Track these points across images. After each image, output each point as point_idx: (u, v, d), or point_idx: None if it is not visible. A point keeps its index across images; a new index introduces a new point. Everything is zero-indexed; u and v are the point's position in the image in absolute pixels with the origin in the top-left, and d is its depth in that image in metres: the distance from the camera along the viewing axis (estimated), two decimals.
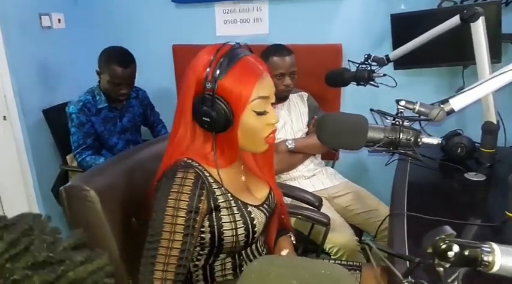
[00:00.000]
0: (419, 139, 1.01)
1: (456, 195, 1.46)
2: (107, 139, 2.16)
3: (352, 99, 2.30)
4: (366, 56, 1.83)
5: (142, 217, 1.11)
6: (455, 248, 0.51)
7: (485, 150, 1.50)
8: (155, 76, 2.53)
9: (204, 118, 0.93)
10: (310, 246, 1.69)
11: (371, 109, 1.09)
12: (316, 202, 1.63)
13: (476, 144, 1.61)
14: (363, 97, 2.21)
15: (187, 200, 0.91)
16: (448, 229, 0.54)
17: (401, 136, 1.00)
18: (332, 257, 1.67)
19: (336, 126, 1.01)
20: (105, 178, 1.07)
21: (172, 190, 0.91)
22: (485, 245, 0.51)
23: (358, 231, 1.86)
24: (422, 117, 1.05)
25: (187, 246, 0.92)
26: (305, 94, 2.05)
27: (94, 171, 1.11)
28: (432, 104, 1.05)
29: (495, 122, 1.48)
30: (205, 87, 0.91)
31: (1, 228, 0.36)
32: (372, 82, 1.79)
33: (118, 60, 1.99)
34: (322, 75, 1.92)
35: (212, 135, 0.96)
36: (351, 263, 1.27)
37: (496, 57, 1.65)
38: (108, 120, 2.14)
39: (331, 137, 1.01)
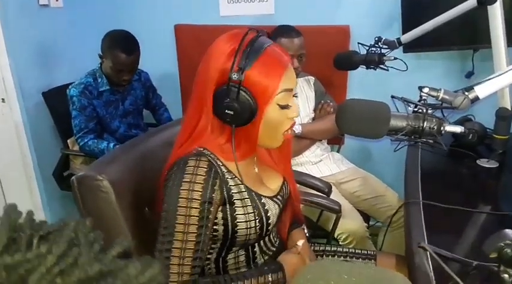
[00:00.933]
0: (442, 128, 0.98)
1: (469, 182, 1.44)
2: (108, 122, 2.11)
3: (360, 84, 2.26)
4: (376, 39, 1.78)
5: (155, 206, 1.09)
6: None
7: (498, 137, 1.48)
8: (156, 57, 2.45)
9: (227, 111, 0.88)
10: (318, 232, 1.67)
11: (392, 96, 1.06)
12: (325, 188, 1.61)
13: (488, 130, 1.59)
14: (370, 82, 2.18)
15: (201, 190, 0.87)
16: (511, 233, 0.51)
17: (425, 125, 0.97)
18: (341, 243, 1.66)
19: (357, 114, 0.98)
20: (117, 167, 1.03)
21: (184, 180, 0.88)
22: None
23: (365, 217, 1.85)
24: (445, 105, 1.02)
25: (203, 238, 0.89)
26: (311, 79, 2.01)
27: (105, 159, 1.07)
28: (456, 91, 1.02)
29: (509, 108, 1.45)
30: (231, 78, 0.86)
31: (44, 237, 0.32)
32: (382, 66, 1.75)
33: (122, 47, 1.92)
34: (328, 58, 1.87)
35: (231, 127, 0.92)
36: (365, 252, 1.25)
37: (510, 41, 1.61)
38: (110, 103, 2.09)
39: (352, 125, 0.99)
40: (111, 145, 2.00)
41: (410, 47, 1.90)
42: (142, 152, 1.14)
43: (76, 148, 2.11)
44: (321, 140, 1.95)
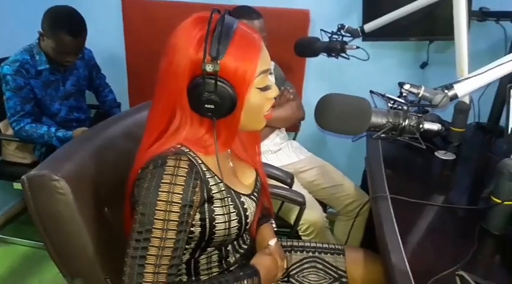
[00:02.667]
0: (421, 126, 0.97)
1: (430, 174, 1.47)
2: (48, 105, 1.91)
3: (317, 71, 2.23)
4: (339, 26, 1.75)
5: (115, 206, 0.98)
6: None
7: (456, 129, 1.52)
8: (101, 34, 2.24)
9: (207, 105, 0.80)
10: (279, 223, 1.64)
11: (371, 91, 1.03)
12: (287, 179, 1.58)
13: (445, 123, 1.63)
14: (327, 68, 2.16)
15: (181, 193, 0.79)
16: None
17: (405, 123, 0.95)
18: (301, 234, 1.64)
19: (339, 110, 0.93)
20: (73, 164, 0.91)
21: (163, 181, 0.79)
22: None
23: (323, 206, 1.85)
24: (422, 102, 1.01)
25: (180, 244, 0.81)
26: (271, 64, 1.94)
27: (59, 155, 0.93)
28: (435, 89, 1.01)
29: (468, 102, 1.49)
30: (205, 70, 0.78)
31: None
32: (343, 54, 1.72)
33: (67, 28, 1.72)
34: (287, 42, 1.82)
35: (211, 120, 0.84)
36: (333, 246, 1.24)
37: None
38: (49, 83, 1.88)
39: (333, 122, 0.94)
40: (52, 129, 1.82)
41: (370, 35, 1.89)
42: (99, 144, 1.03)
43: (10, 132, 1.89)
44: (280, 128, 1.91)
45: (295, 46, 1.80)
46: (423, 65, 2.07)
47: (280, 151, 1.88)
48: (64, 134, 1.82)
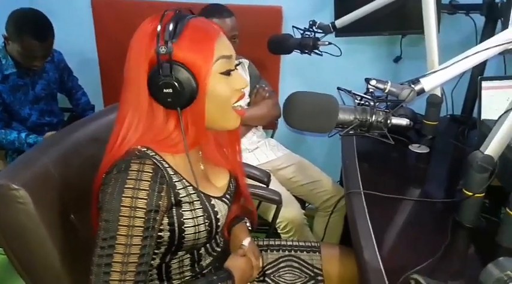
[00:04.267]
0: (389, 121, 0.97)
1: (404, 168, 1.48)
2: (17, 110, 1.86)
3: (292, 68, 2.23)
4: (310, 22, 1.74)
5: (83, 212, 0.96)
6: None
7: (429, 123, 1.53)
8: (71, 36, 2.20)
9: (165, 90, 0.79)
10: (259, 221, 1.63)
11: (338, 88, 1.02)
12: (264, 177, 1.57)
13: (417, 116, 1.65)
14: (302, 66, 2.16)
15: (146, 198, 0.78)
16: (509, 262, 0.49)
17: (372, 119, 0.94)
18: (280, 231, 1.64)
19: (306, 109, 0.92)
20: (34, 171, 0.88)
21: (127, 186, 0.77)
22: None
23: (302, 202, 1.85)
24: (390, 98, 1.00)
25: (147, 250, 0.79)
26: (246, 62, 1.93)
27: (20, 162, 0.90)
28: (402, 84, 1.00)
29: (440, 95, 1.50)
30: (159, 53, 0.77)
31: None
32: (316, 51, 1.72)
33: (33, 32, 1.68)
34: (261, 39, 1.80)
35: (176, 111, 0.82)
36: (309, 244, 1.24)
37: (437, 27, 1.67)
38: (17, 88, 1.83)
39: (301, 120, 0.93)
40: (23, 135, 1.78)
41: (342, 31, 1.89)
42: (63, 150, 1.00)
43: None
44: (257, 126, 1.90)
45: (268, 43, 1.78)
46: (397, 59, 2.09)
47: (257, 150, 1.87)
48: (34, 140, 1.78)
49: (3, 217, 0.84)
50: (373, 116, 0.95)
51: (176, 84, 0.78)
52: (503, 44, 0.92)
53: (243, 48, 1.85)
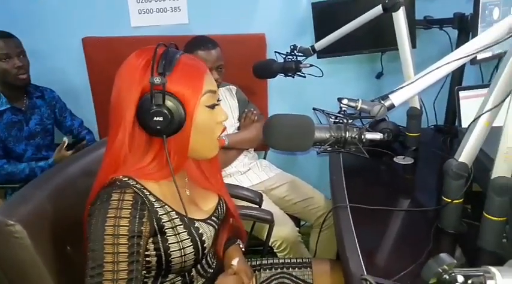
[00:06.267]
0: (363, 136, 1.02)
1: (390, 180, 1.53)
2: (12, 146, 1.92)
3: (279, 91, 2.30)
4: (291, 47, 1.82)
5: (78, 243, 1.00)
6: (460, 278, 0.51)
7: (411, 134, 1.58)
8: (63, 73, 2.29)
9: (155, 118, 0.84)
10: (254, 242, 1.67)
11: (314, 109, 1.08)
12: (256, 198, 1.61)
13: (400, 128, 1.70)
14: (289, 88, 2.23)
15: (128, 224, 0.82)
16: (447, 257, 0.53)
17: (347, 135, 1.00)
18: (275, 250, 1.67)
19: (283, 130, 0.97)
20: (29, 206, 0.93)
21: (108, 215, 0.81)
22: (486, 271, 0.52)
23: (296, 221, 1.89)
24: (363, 114, 1.06)
25: (135, 274, 0.83)
26: (233, 88, 2.00)
27: (15, 199, 0.96)
28: (372, 100, 1.06)
29: (419, 108, 1.56)
30: (153, 83, 0.82)
31: None
32: (299, 73, 1.79)
33: None
34: (247, 66, 1.87)
35: (158, 141, 0.87)
36: (301, 260, 1.27)
37: (412, 43, 1.74)
38: (12, 124, 1.90)
39: (279, 141, 0.98)
40: (31, 162, 1.89)
41: (324, 52, 1.96)
42: (58, 184, 1.05)
43: None
44: (248, 149, 1.95)
45: (253, 69, 1.85)
46: (379, 75, 2.16)
47: (249, 171, 1.92)
48: (45, 163, 1.87)
49: (1, 252, 0.88)
50: (347, 132, 1.00)
51: (167, 112, 0.84)
52: (463, 57, 0.98)
53: (230, 75, 1.93)
